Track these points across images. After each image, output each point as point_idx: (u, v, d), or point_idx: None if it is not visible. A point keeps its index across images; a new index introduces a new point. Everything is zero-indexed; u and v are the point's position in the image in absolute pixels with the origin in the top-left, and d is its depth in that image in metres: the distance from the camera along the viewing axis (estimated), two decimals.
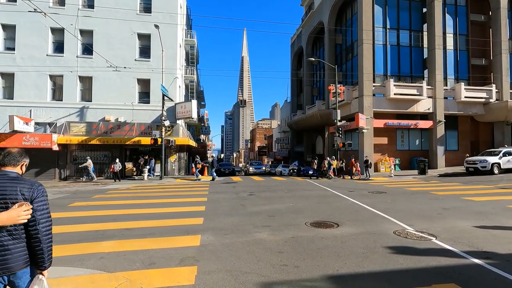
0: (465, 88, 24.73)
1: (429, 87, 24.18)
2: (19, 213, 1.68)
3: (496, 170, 17.83)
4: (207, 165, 23.19)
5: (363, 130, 22.20)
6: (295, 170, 26.93)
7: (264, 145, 75.26)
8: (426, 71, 25.58)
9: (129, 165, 22.13)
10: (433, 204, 8.79)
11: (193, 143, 25.66)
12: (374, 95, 23.62)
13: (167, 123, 20.37)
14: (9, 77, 20.99)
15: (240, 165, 79.76)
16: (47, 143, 19.17)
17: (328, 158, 21.59)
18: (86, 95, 21.95)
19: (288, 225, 6.44)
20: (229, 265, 4.17)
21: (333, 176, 21.10)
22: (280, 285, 3.53)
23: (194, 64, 31.28)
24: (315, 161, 23.71)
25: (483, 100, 25.06)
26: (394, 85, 23.30)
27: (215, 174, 20.65)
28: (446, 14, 26.06)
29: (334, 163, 21.75)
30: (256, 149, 77.71)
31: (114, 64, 20.43)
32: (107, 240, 5.48)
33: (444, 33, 25.55)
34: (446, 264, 4.09)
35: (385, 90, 23.65)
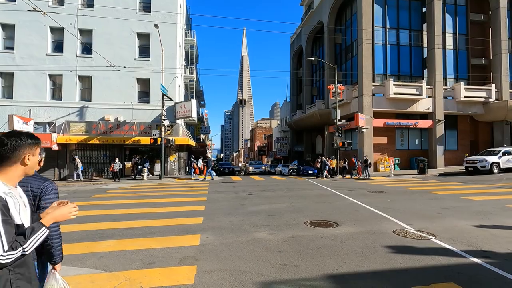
0: (464, 88, 24.75)
1: (429, 86, 24.20)
2: (70, 210, 1.74)
3: (495, 170, 17.86)
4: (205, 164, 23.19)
5: (363, 130, 22.21)
6: (295, 170, 26.93)
7: (264, 144, 75.26)
8: (425, 71, 25.60)
9: (128, 165, 22.12)
10: (433, 203, 8.80)
11: (192, 142, 25.66)
12: (373, 94, 23.64)
13: (166, 122, 20.37)
14: (8, 77, 20.96)
15: (240, 164, 79.77)
16: (46, 143, 19.14)
17: (323, 157, 21.43)
18: (86, 94, 21.94)
19: (288, 225, 6.44)
20: (228, 264, 4.18)
21: (329, 176, 20.72)
22: (279, 284, 3.53)
23: (194, 64, 31.27)
24: (318, 159, 23.65)
25: (482, 99, 25.08)
26: (394, 85, 23.31)
27: (214, 173, 20.64)
28: (446, 13, 26.07)
29: (334, 162, 21.73)
30: (256, 148, 77.70)
31: (113, 63, 20.41)
32: (107, 239, 5.48)
33: (444, 33, 25.55)
34: (446, 264, 4.10)
35: (384, 90, 23.66)
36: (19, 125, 18.71)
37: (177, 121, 22.69)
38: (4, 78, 21.07)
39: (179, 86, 24.37)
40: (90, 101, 21.70)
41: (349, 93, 25.48)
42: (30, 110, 20.69)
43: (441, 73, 24.58)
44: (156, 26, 19.05)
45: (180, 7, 24.80)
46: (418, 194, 10.79)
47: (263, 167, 35.81)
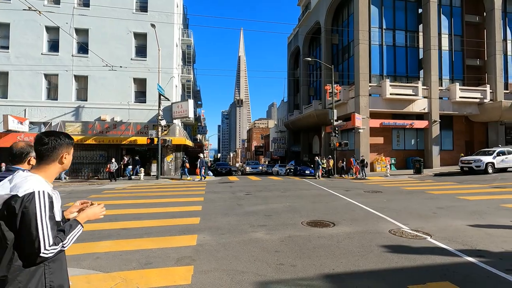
0: (460, 89, 24.97)
1: (425, 87, 24.38)
2: (101, 210, 1.83)
3: (490, 170, 18.02)
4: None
5: (359, 130, 22.32)
6: (292, 170, 26.97)
7: (261, 144, 75.29)
8: (421, 72, 25.78)
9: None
10: (428, 203, 8.87)
11: (189, 142, 25.59)
12: (370, 95, 23.76)
13: (163, 122, 20.30)
14: (3, 76, 20.76)
15: (237, 164, 79.78)
16: None
17: (316, 157, 21.53)
18: (82, 94, 21.79)
19: (285, 225, 6.45)
20: (225, 264, 4.18)
21: (321, 176, 20.72)
22: (276, 284, 3.54)
23: (191, 64, 31.20)
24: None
25: (477, 100, 25.31)
26: (390, 85, 23.45)
27: (211, 173, 20.58)
28: (442, 15, 26.27)
29: (331, 162, 21.82)
30: (253, 148, 77.71)
31: (110, 63, 20.31)
32: (103, 240, 5.45)
33: (440, 34, 25.76)
34: (441, 263, 4.13)
35: (381, 90, 23.80)
36: (14, 125, 18.57)
37: (174, 121, 22.62)
38: None
39: (176, 86, 24.30)
40: (86, 101, 21.56)
41: (345, 94, 25.60)
42: (25, 110, 20.51)
43: (437, 74, 24.78)
44: (153, 26, 18.98)
45: (177, 7, 24.74)
46: (414, 194, 10.86)
47: (260, 167, 35.82)
